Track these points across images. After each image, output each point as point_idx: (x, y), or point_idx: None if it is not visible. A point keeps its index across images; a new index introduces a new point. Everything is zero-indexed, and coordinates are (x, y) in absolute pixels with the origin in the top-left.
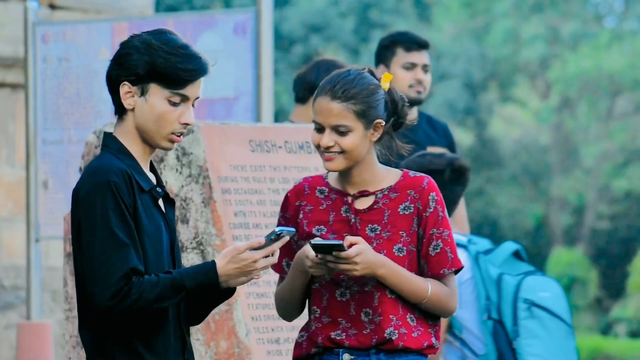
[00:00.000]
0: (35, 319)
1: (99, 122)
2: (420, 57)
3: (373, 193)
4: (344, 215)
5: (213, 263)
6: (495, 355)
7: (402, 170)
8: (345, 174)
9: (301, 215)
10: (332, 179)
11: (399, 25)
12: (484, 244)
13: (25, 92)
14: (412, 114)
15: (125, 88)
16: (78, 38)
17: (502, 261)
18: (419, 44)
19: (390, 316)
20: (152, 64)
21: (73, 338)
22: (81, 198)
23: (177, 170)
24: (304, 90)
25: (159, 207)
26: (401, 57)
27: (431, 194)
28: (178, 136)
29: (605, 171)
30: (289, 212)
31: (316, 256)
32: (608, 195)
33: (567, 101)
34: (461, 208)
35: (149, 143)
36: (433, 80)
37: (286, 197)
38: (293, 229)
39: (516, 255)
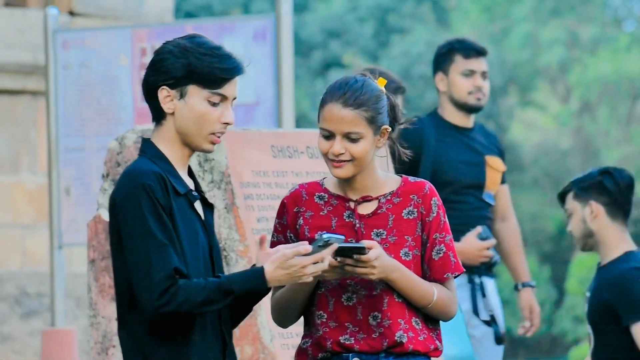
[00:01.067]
0: (60, 325)
1: (120, 129)
2: (479, 64)
3: (376, 198)
4: (347, 220)
5: (262, 269)
6: None
7: (400, 175)
8: (347, 180)
9: (301, 222)
10: (331, 185)
11: (418, 30)
12: None
13: (46, 99)
14: (469, 121)
15: (164, 92)
16: (98, 45)
17: None
18: (477, 51)
19: (399, 320)
20: (189, 65)
21: (97, 344)
22: (118, 204)
23: (199, 176)
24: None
25: (196, 210)
26: (460, 64)
27: (433, 198)
28: (218, 137)
29: None
30: (286, 218)
31: (335, 259)
32: None
33: (587, 105)
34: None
35: (189, 146)
36: None
37: (282, 203)
38: (342, 237)
39: None
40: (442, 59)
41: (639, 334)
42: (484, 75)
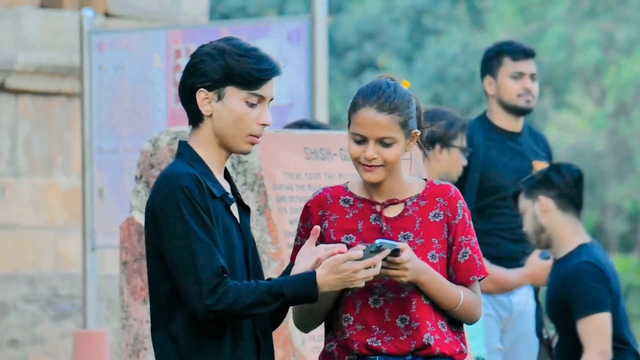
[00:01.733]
0: (92, 327)
1: (154, 131)
2: (528, 66)
3: (402, 201)
4: (373, 223)
5: (313, 273)
6: None
7: (424, 179)
8: (374, 184)
9: (326, 225)
10: (356, 188)
11: (453, 32)
12: None
13: (81, 101)
14: (518, 125)
15: (202, 95)
16: (133, 46)
17: None
18: (526, 53)
19: (427, 322)
20: (227, 67)
21: (129, 347)
22: (156, 208)
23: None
24: (429, 143)
25: (232, 213)
26: (509, 66)
27: (459, 201)
28: (257, 137)
29: None
30: (310, 222)
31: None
32: None
33: (622, 107)
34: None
35: (227, 148)
36: None
37: (306, 207)
38: (395, 242)
39: None
40: (491, 62)
41: (584, 329)
42: (532, 77)
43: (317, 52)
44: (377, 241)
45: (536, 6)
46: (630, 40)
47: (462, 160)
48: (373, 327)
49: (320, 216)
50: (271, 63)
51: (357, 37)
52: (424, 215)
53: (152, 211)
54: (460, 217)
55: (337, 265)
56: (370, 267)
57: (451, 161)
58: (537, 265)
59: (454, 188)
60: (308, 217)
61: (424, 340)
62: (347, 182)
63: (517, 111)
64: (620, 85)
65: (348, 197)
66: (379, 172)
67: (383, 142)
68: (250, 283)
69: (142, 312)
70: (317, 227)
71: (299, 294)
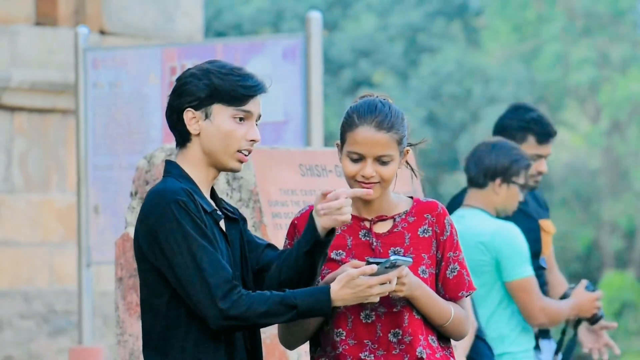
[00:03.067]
0: (87, 343)
1: (149, 147)
2: (548, 149)
3: (391, 217)
4: (363, 239)
5: (327, 287)
6: None
7: (411, 197)
8: (364, 201)
9: None
10: None
11: (448, 50)
12: None
13: (76, 118)
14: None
15: (189, 114)
16: (128, 64)
17: None
18: (551, 136)
19: (419, 336)
20: (212, 85)
21: None
22: (153, 224)
23: (227, 194)
24: (484, 177)
25: (221, 229)
26: (531, 146)
27: (446, 217)
28: (246, 155)
29: None
30: (297, 238)
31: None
32: None
33: (617, 125)
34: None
35: (216, 166)
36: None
37: (293, 224)
38: (409, 259)
39: None
40: (513, 134)
41: None
42: (547, 157)
43: (312, 69)
44: (392, 257)
45: (531, 24)
46: (625, 58)
47: (519, 196)
48: (365, 341)
49: None
50: (255, 80)
51: (353, 55)
52: (414, 231)
53: (147, 227)
54: (448, 233)
55: (351, 280)
56: (385, 283)
57: (509, 197)
58: (583, 296)
59: (440, 205)
60: (295, 234)
61: (417, 354)
62: None
63: (525, 188)
64: (615, 103)
65: None
66: (376, 189)
67: (381, 160)
68: (263, 292)
69: (138, 328)
70: (328, 190)
71: (313, 307)
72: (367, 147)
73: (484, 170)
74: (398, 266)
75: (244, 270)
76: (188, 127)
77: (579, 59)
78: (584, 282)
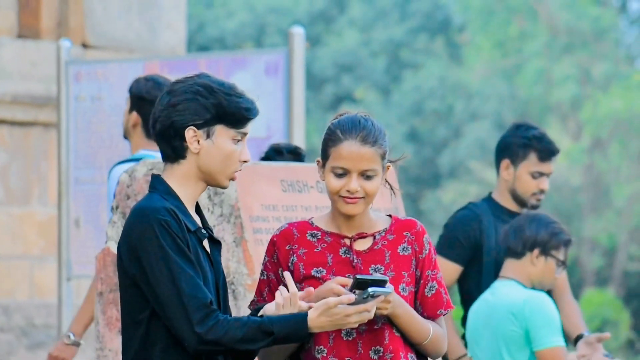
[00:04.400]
0: None
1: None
2: (550, 167)
3: (371, 235)
4: (343, 256)
5: (305, 314)
6: None
7: (389, 215)
8: (345, 218)
9: (294, 259)
10: (322, 223)
11: (430, 66)
12: None
13: (58, 131)
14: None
15: (191, 132)
16: (110, 77)
17: None
18: (553, 154)
19: (400, 353)
20: (219, 105)
21: None
22: (135, 242)
23: (208, 209)
24: (522, 247)
25: (204, 248)
26: (532, 164)
27: (425, 236)
28: (236, 173)
29: (637, 212)
30: (277, 256)
31: (353, 292)
32: None
33: (599, 142)
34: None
35: (209, 183)
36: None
37: (272, 241)
38: (389, 290)
39: None
40: (514, 149)
41: None
42: (549, 175)
43: (295, 84)
44: (371, 290)
45: (513, 41)
46: (607, 75)
47: (556, 272)
48: (346, 358)
49: (288, 250)
50: (252, 101)
51: (335, 70)
52: (393, 249)
53: (129, 244)
54: (427, 252)
55: (328, 309)
56: (363, 312)
57: (546, 270)
58: None
59: (419, 223)
60: (274, 251)
61: None
62: (311, 218)
63: (525, 205)
64: (596, 120)
65: (315, 231)
66: (360, 204)
67: (365, 175)
68: (241, 318)
69: (118, 343)
70: (310, 289)
71: (289, 334)
72: (353, 162)
73: (523, 240)
74: (377, 297)
75: (222, 293)
76: (189, 145)
77: (561, 75)
78: (603, 351)
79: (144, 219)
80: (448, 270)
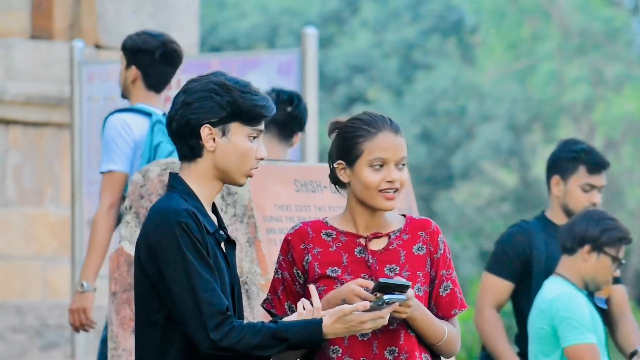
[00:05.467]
0: (80, 358)
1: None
2: (600, 180)
3: (386, 235)
4: (358, 256)
5: (320, 320)
6: None
7: (403, 215)
8: (362, 217)
9: (309, 258)
10: (337, 223)
11: (443, 67)
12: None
13: (71, 132)
14: None
15: (206, 130)
16: None
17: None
18: (603, 167)
19: (415, 353)
20: (234, 103)
21: None
22: (154, 244)
23: (222, 209)
24: (572, 242)
25: (222, 249)
26: (582, 177)
27: (440, 235)
28: (253, 171)
29: None
30: (292, 255)
31: (375, 295)
32: None
33: (611, 143)
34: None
35: (226, 181)
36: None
37: (287, 240)
38: (403, 297)
39: None
40: (564, 165)
41: None
42: (601, 189)
43: (308, 85)
44: (386, 297)
45: (526, 42)
46: (620, 76)
47: (612, 270)
48: (361, 359)
49: (302, 249)
50: (268, 99)
51: (347, 71)
52: (408, 249)
53: (149, 246)
54: (441, 252)
55: (343, 316)
56: (377, 319)
57: (599, 267)
58: None
59: (434, 223)
60: (289, 250)
61: None
62: (325, 218)
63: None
64: (609, 121)
65: (330, 230)
66: (396, 197)
67: (399, 165)
68: (255, 324)
69: (131, 343)
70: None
71: (304, 341)
72: (391, 152)
73: (573, 236)
74: (392, 303)
75: (237, 294)
76: (205, 143)
77: (574, 77)
78: None
79: (164, 220)
80: (500, 287)
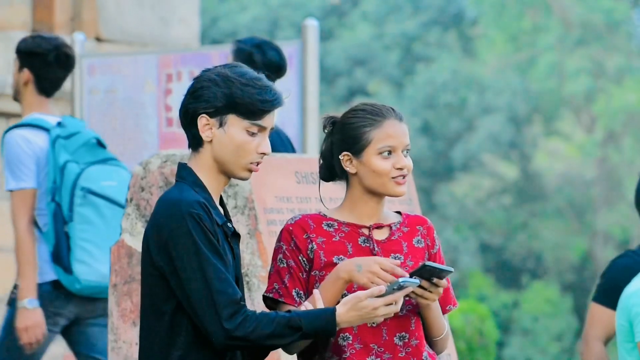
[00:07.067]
0: None
1: (144, 154)
2: None
3: (387, 225)
4: (363, 245)
5: (333, 309)
6: (54, 235)
7: (398, 212)
8: (368, 206)
9: (314, 246)
10: (336, 215)
11: (443, 59)
12: (72, 126)
13: None
14: None
15: (203, 120)
16: (124, 70)
17: (76, 148)
18: None
19: (424, 340)
20: (230, 95)
21: None
22: (166, 234)
23: None
24: None
25: (229, 242)
26: None
27: (435, 232)
28: (256, 165)
29: None
30: (295, 243)
31: (414, 278)
32: None
33: (612, 135)
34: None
35: (226, 174)
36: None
37: (288, 230)
38: (417, 281)
39: (99, 143)
40: None
41: None
42: None
43: (308, 77)
44: (401, 280)
45: (527, 34)
46: (620, 68)
47: None
48: (371, 345)
49: (305, 238)
50: (274, 94)
51: (348, 64)
52: (409, 241)
53: (159, 236)
54: (437, 247)
55: (357, 302)
56: (391, 304)
57: None
58: None
59: (429, 220)
60: (292, 239)
61: (423, 357)
62: (321, 211)
63: None
64: (610, 113)
65: (331, 221)
66: (406, 183)
67: (405, 152)
68: (269, 313)
69: (132, 334)
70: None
71: (318, 330)
72: (399, 139)
73: None
74: (405, 287)
75: (241, 286)
76: (201, 133)
77: (574, 69)
78: None
79: (176, 212)
80: (610, 318)
